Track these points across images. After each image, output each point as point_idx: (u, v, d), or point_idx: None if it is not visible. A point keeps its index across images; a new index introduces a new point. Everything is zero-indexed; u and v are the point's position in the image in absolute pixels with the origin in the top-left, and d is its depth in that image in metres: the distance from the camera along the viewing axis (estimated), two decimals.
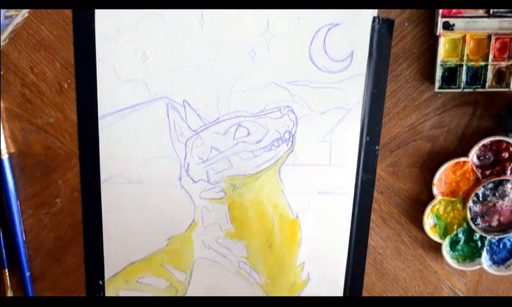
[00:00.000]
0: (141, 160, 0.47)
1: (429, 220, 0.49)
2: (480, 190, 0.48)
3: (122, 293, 0.50)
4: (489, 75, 0.44)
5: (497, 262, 0.50)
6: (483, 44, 0.44)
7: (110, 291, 0.50)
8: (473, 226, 0.48)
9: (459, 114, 0.47)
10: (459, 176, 0.47)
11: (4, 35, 0.44)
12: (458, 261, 0.50)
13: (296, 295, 0.51)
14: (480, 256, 0.49)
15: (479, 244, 0.49)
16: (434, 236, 0.49)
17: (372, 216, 0.49)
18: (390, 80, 0.46)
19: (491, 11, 0.43)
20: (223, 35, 0.44)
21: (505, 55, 0.44)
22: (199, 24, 0.44)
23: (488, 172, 0.47)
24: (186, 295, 0.51)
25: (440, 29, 0.43)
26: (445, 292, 0.51)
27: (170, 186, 0.48)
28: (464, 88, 0.45)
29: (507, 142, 0.46)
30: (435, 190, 0.47)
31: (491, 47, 0.44)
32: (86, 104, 0.46)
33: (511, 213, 0.49)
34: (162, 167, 0.47)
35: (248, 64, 0.45)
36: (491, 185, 0.48)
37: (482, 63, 0.44)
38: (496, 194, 0.48)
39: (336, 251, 0.50)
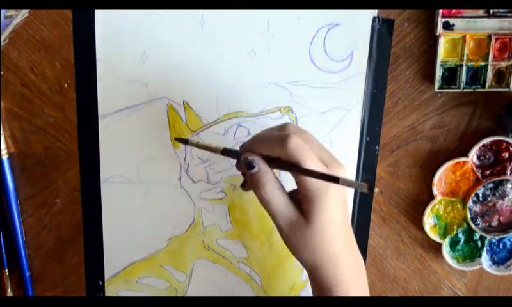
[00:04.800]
0: (141, 160, 0.47)
1: (429, 220, 0.49)
2: (480, 190, 0.48)
3: (122, 294, 0.50)
4: (489, 75, 0.44)
5: (497, 262, 0.50)
6: (483, 44, 0.44)
7: (110, 291, 0.50)
8: (473, 226, 0.48)
9: (459, 114, 0.47)
10: (459, 176, 0.47)
11: (4, 35, 0.44)
12: (458, 261, 0.50)
13: (296, 295, 0.51)
14: (480, 256, 0.49)
15: (479, 243, 0.49)
16: (434, 236, 0.49)
17: (372, 216, 0.49)
18: (390, 80, 0.46)
19: (491, 11, 0.43)
20: (223, 35, 0.44)
21: (505, 56, 0.44)
22: (199, 24, 0.44)
23: (488, 172, 0.47)
24: (186, 296, 0.51)
25: (439, 29, 0.43)
26: (445, 292, 0.51)
27: (170, 186, 0.48)
28: (464, 88, 0.45)
29: (507, 142, 0.46)
30: (435, 190, 0.47)
31: (491, 47, 0.44)
32: (86, 104, 0.46)
33: (511, 213, 0.49)
34: (162, 167, 0.47)
35: (248, 64, 0.45)
36: (491, 185, 0.48)
37: (482, 63, 0.44)
38: (496, 194, 0.48)
39: None
